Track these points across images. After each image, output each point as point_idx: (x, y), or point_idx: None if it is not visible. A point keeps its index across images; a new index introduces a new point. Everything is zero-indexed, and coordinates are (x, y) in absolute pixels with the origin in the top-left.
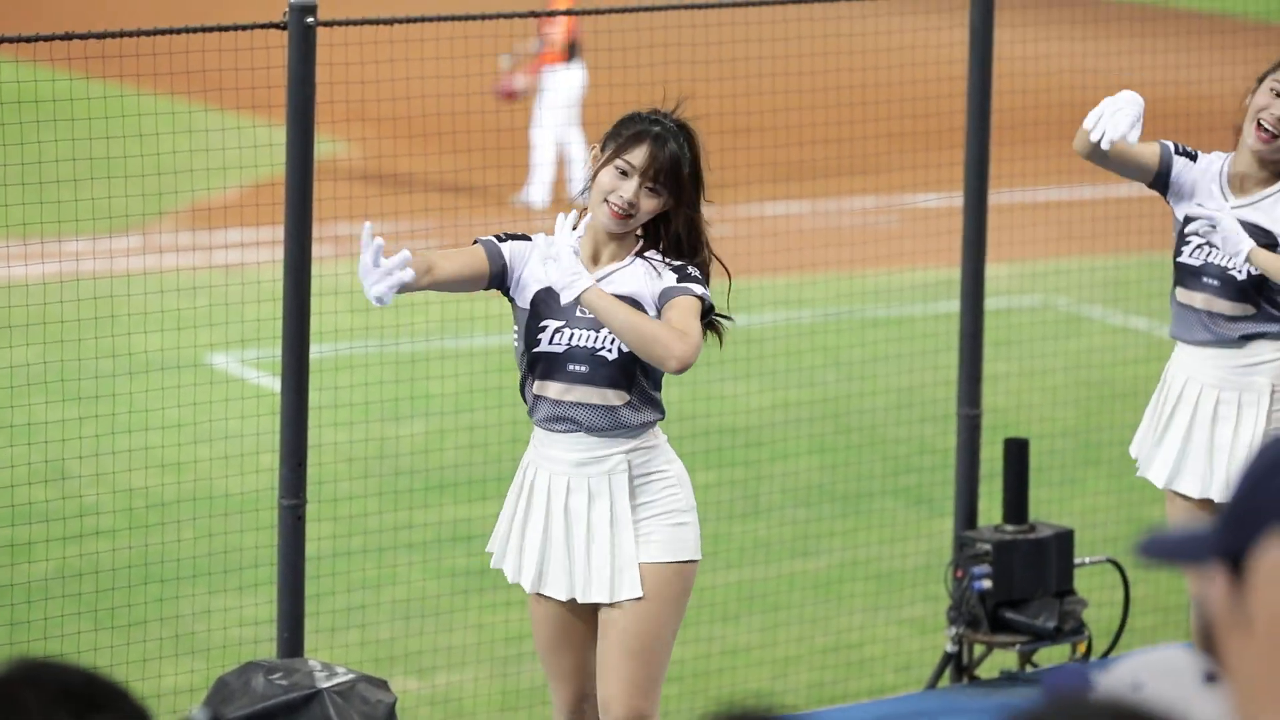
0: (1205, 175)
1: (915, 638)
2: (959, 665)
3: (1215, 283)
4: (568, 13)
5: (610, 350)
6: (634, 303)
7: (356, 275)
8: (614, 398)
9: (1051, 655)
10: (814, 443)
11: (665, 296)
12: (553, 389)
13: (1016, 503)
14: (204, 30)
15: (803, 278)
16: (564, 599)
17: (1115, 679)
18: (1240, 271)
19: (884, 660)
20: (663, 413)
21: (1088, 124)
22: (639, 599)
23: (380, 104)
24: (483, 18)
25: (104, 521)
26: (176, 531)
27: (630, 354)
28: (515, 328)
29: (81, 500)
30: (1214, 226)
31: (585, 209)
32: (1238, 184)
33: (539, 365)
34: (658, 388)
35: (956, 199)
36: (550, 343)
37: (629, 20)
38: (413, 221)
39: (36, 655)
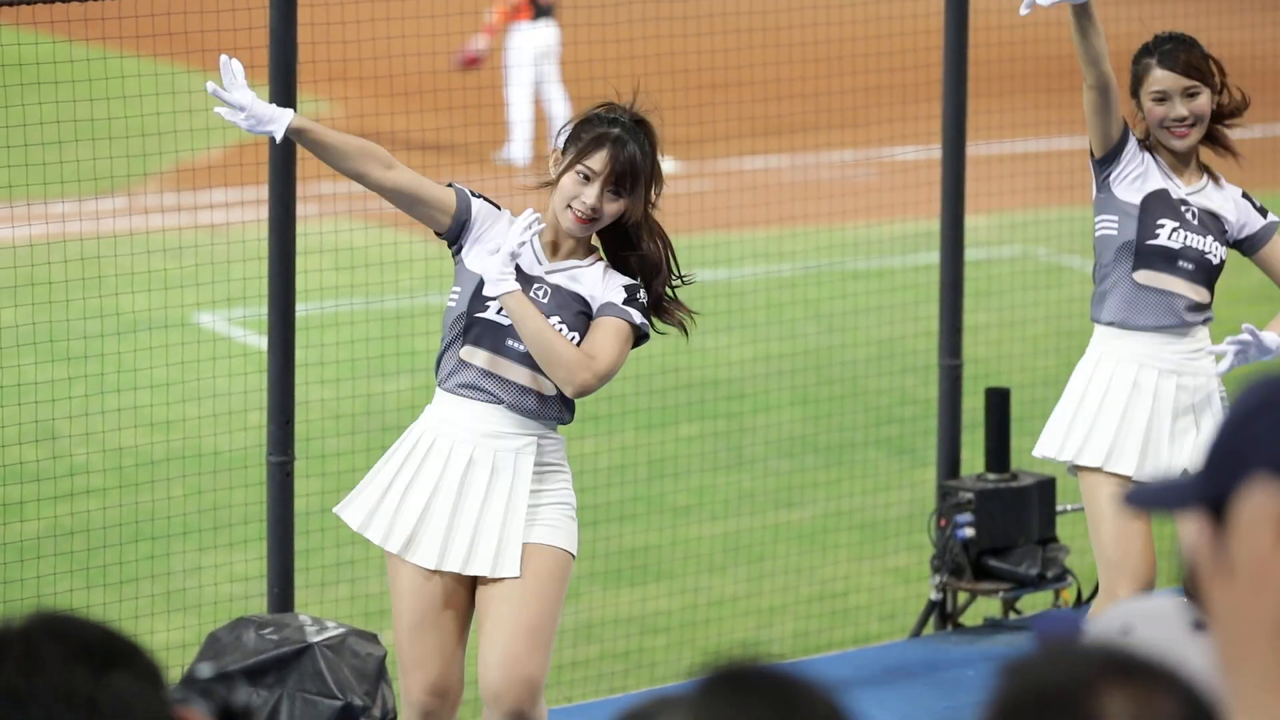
0: (1151, 164)
1: (899, 586)
2: (943, 613)
3: (1191, 267)
4: None
5: None
6: (585, 303)
7: (340, 224)
8: (546, 385)
9: (1035, 602)
10: (796, 395)
11: (602, 311)
12: (480, 358)
13: (998, 451)
14: None
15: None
16: (431, 567)
17: (1105, 625)
18: (1215, 257)
19: (869, 609)
20: (572, 414)
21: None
22: (528, 575)
23: (362, 63)
24: None
25: (94, 480)
26: (166, 489)
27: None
28: (456, 288)
29: (71, 459)
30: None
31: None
32: (1179, 173)
33: (474, 330)
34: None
35: (935, 151)
36: (498, 313)
37: None
38: None
39: (56, 609)
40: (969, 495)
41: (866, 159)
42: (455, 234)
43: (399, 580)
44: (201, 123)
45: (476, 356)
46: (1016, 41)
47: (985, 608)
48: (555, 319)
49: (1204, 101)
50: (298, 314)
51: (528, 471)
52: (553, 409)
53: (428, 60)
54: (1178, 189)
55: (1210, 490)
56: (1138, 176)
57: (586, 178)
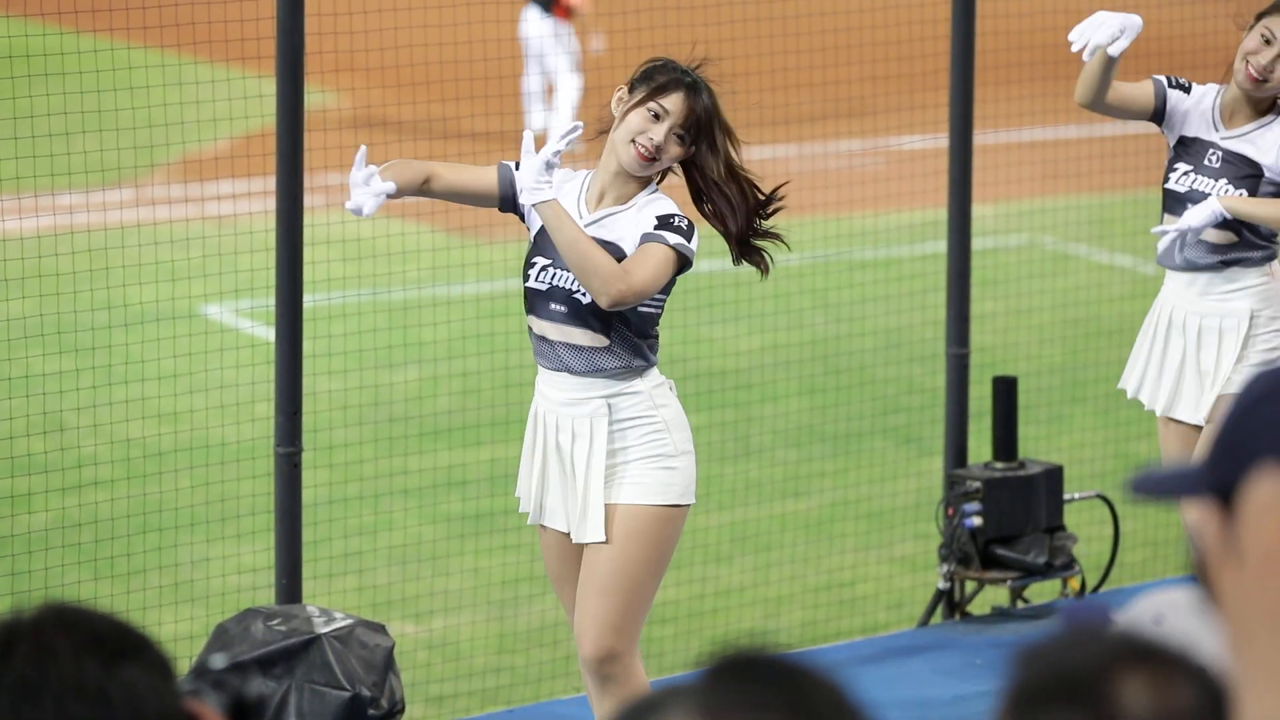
0: (1198, 107)
1: (907, 575)
2: (951, 602)
3: None
4: None
5: (585, 294)
6: (618, 249)
7: (347, 215)
8: (592, 340)
9: (1042, 590)
10: (803, 384)
11: (640, 241)
12: (539, 325)
13: (1006, 440)
14: None
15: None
16: (563, 530)
17: (1137, 613)
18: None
19: (876, 598)
20: (649, 360)
21: (1072, 36)
22: (614, 539)
23: (369, 54)
24: None
25: (102, 472)
26: (174, 481)
27: None
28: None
29: (79, 451)
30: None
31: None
32: (1228, 116)
33: (528, 300)
34: (644, 335)
35: (942, 140)
36: (536, 279)
37: None
38: None
39: (67, 600)
40: (976, 484)
41: (874, 148)
42: (511, 205)
43: (540, 539)
44: (208, 114)
45: (536, 325)
46: (1024, 30)
47: (993, 596)
48: None
49: None
50: (305, 305)
51: (603, 435)
52: (613, 361)
53: (435, 51)
54: (1213, 132)
55: (1218, 478)
56: (1177, 125)
57: (657, 116)
